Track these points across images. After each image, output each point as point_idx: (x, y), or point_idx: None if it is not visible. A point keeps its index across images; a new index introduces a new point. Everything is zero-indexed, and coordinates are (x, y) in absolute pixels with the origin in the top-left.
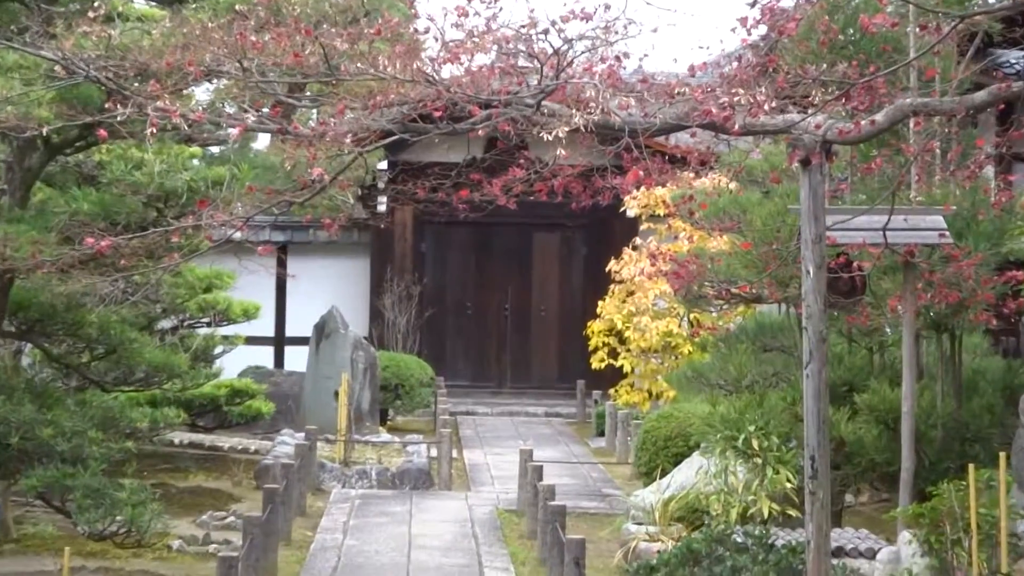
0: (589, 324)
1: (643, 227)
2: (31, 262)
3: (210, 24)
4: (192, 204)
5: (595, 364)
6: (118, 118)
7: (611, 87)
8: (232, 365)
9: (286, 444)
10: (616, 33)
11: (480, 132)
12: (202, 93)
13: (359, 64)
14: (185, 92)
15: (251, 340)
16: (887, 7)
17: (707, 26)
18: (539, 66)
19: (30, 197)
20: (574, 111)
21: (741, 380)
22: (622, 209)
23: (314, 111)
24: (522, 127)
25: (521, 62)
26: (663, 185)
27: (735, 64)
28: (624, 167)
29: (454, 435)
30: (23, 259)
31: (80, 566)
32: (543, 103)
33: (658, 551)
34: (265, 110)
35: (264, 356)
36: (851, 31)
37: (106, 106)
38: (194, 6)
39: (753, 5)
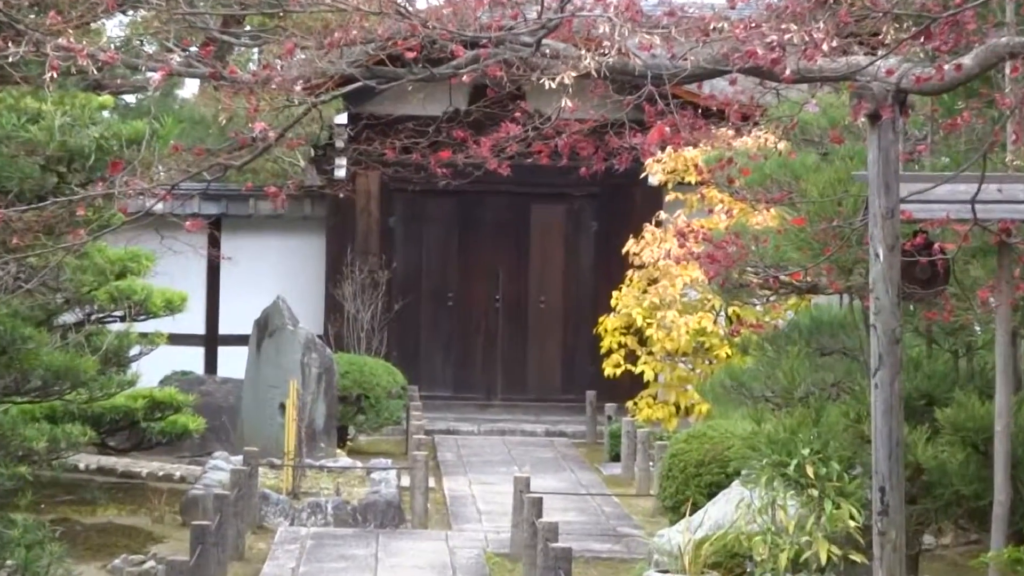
0: (601, 320)
1: (669, 198)
2: None
3: None
4: (102, 167)
5: (608, 370)
6: (9, 59)
7: (630, 21)
8: (152, 370)
9: (220, 470)
10: None
11: (465, 78)
12: (115, 28)
13: None
14: (93, 26)
15: (176, 339)
16: None
17: None
18: None
19: None
20: (583, 52)
21: (793, 391)
22: (643, 175)
23: (256, 51)
24: (518, 72)
25: None
26: (695, 145)
27: None
28: (646, 122)
29: (431, 459)
30: None
31: None
32: (544, 41)
33: None
34: (194, 49)
35: (192, 359)
36: None
37: None
38: None
39: None
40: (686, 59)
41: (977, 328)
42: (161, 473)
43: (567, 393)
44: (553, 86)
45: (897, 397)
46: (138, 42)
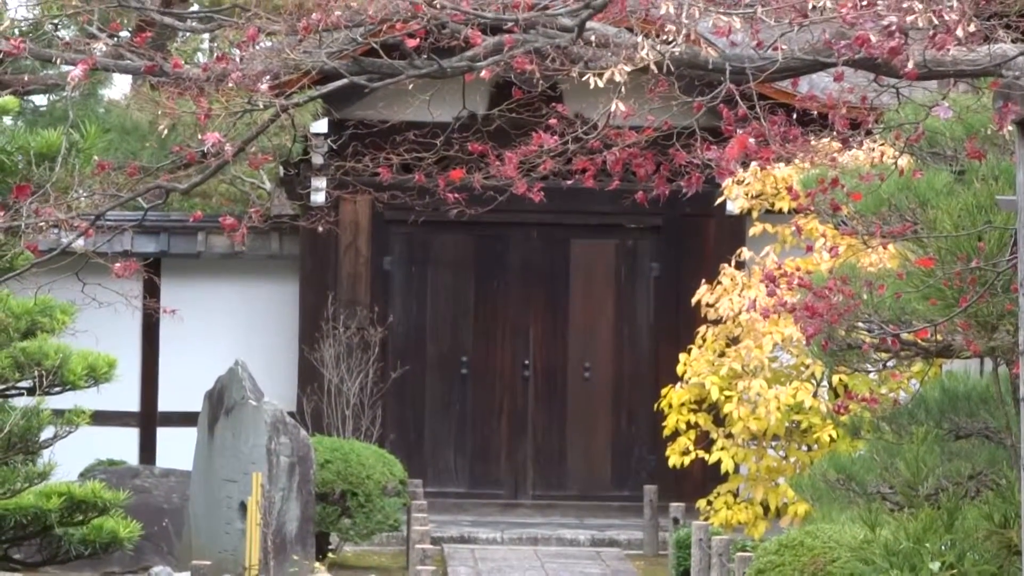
0: (664, 392)
1: (754, 231)
2: None
3: None
4: (4, 191)
5: (674, 459)
6: None
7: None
8: (71, 459)
9: None
10: None
11: (484, 74)
12: (20, 7)
13: None
14: None
15: (102, 417)
16: None
17: None
18: None
19: None
20: (640, 38)
21: (918, 486)
22: (719, 201)
23: (207, 38)
24: (553, 65)
25: None
26: (788, 161)
27: None
28: (723, 131)
29: None
30: None
31: None
32: (588, 25)
33: None
34: (126, 35)
35: (123, 444)
36: None
37: None
38: None
39: None
40: (777, 48)
41: None
42: None
43: (619, 489)
44: (601, 84)
45: None
46: (52, 26)
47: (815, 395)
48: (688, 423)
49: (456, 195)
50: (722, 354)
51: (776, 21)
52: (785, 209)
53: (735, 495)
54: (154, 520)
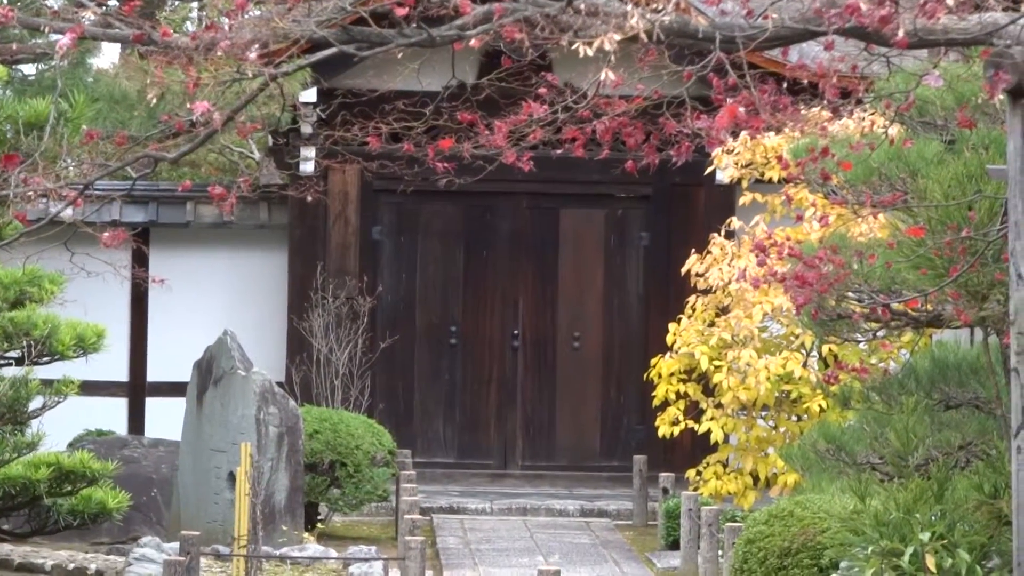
0: (654, 362)
1: (744, 200)
2: None
3: None
4: None
5: (664, 429)
6: None
7: None
8: (60, 429)
9: (149, 561)
10: None
11: (473, 43)
12: None
13: None
14: None
15: (90, 387)
16: None
17: None
18: None
19: None
20: (630, 7)
21: (908, 456)
22: (709, 171)
23: (195, 5)
24: (543, 34)
25: None
26: (778, 131)
27: None
28: (713, 100)
29: (429, 547)
30: None
31: None
32: None
33: None
34: (114, 3)
35: (112, 414)
36: None
37: None
38: None
39: None
40: (767, 17)
41: None
42: (71, 566)
43: (609, 459)
44: (590, 53)
45: None
46: None
47: (805, 365)
48: (677, 393)
49: (445, 164)
50: (712, 324)
51: None
52: (775, 179)
53: (725, 465)
54: (143, 490)
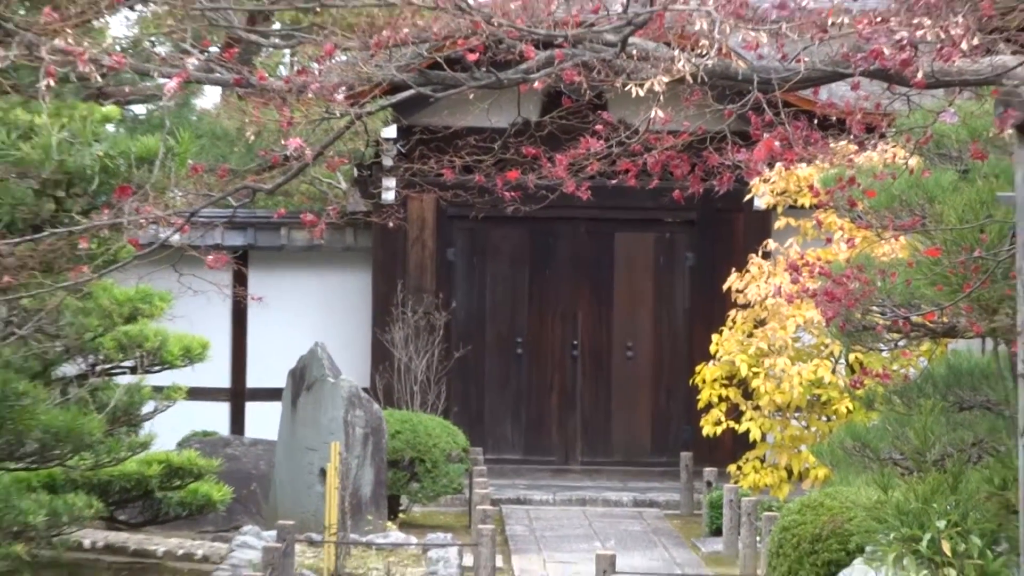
0: (699, 369)
1: (779, 224)
2: None
3: None
4: (108, 192)
5: (707, 429)
6: None
7: (733, 15)
8: (169, 430)
9: (249, 548)
10: None
11: (536, 85)
12: (122, 26)
13: None
14: (96, 25)
15: (196, 393)
16: None
17: None
18: None
19: None
20: (677, 52)
21: (926, 453)
22: (747, 198)
23: (288, 53)
24: (599, 77)
25: None
26: (809, 162)
27: None
28: (751, 135)
29: (499, 534)
30: None
31: None
32: (630, 40)
33: None
34: (215, 51)
35: (216, 417)
36: None
37: None
38: None
39: None
40: (799, 60)
41: None
42: (180, 552)
43: (658, 456)
44: (642, 93)
45: None
46: (149, 43)
47: (833, 371)
48: (720, 397)
49: (512, 193)
50: (750, 335)
51: (799, 36)
52: (807, 205)
53: (762, 461)
54: (243, 485)
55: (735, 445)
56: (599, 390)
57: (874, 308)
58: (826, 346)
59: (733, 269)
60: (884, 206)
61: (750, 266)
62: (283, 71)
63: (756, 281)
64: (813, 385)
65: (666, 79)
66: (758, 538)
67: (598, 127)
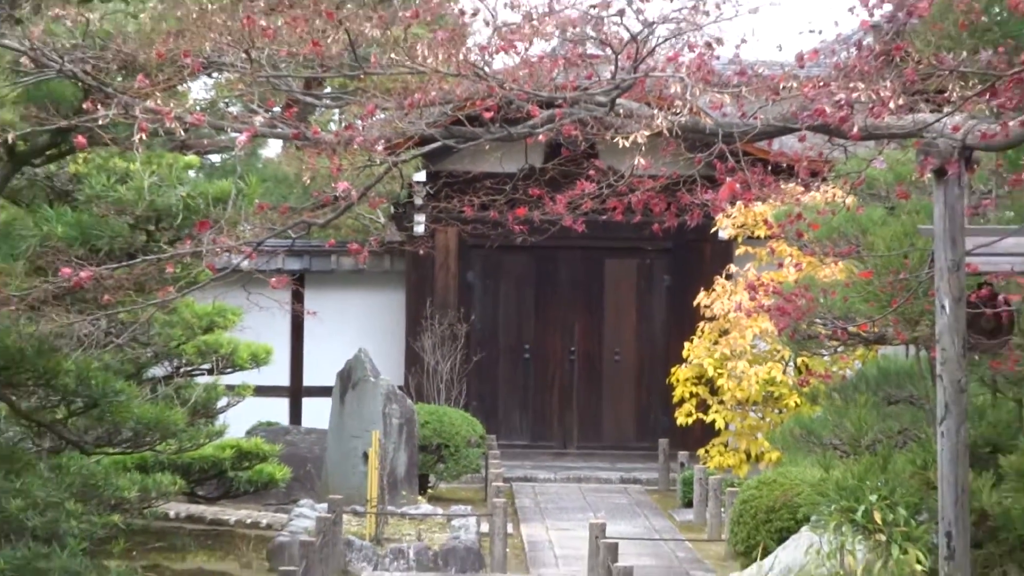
0: (673, 370)
1: (739, 252)
2: None
3: (210, 6)
4: (189, 226)
5: (681, 419)
6: (98, 121)
7: (701, 81)
8: (239, 421)
9: (305, 517)
10: (707, 15)
11: (540, 137)
12: (201, 90)
13: (392, 54)
14: (180, 89)
15: (261, 391)
16: None
17: (818, 5)
18: (613, 55)
19: None
20: (656, 111)
21: (860, 439)
22: (713, 230)
23: (337, 112)
24: (592, 131)
25: (590, 50)
26: (764, 200)
27: (853, 52)
28: (717, 179)
29: (510, 506)
30: None
31: None
32: (618, 101)
33: None
34: (277, 110)
35: (277, 410)
36: (996, 10)
37: (84, 107)
38: None
39: None
40: (756, 117)
41: None
42: (249, 521)
43: (641, 442)
44: (626, 144)
45: (963, 445)
46: (223, 104)
47: (784, 372)
48: (691, 393)
49: (520, 227)
50: (716, 342)
51: (756, 97)
52: (762, 235)
53: (725, 446)
54: (300, 466)
55: (703, 433)
56: (592, 388)
57: (817, 320)
58: (778, 351)
59: (702, 288)
60: (825, 237)
61: (715, 286)
62: (333, 127)
63: (720, 298)
64: (767, 383)
65: (646, 133)
66: (722, 509)
67: (591, 172)
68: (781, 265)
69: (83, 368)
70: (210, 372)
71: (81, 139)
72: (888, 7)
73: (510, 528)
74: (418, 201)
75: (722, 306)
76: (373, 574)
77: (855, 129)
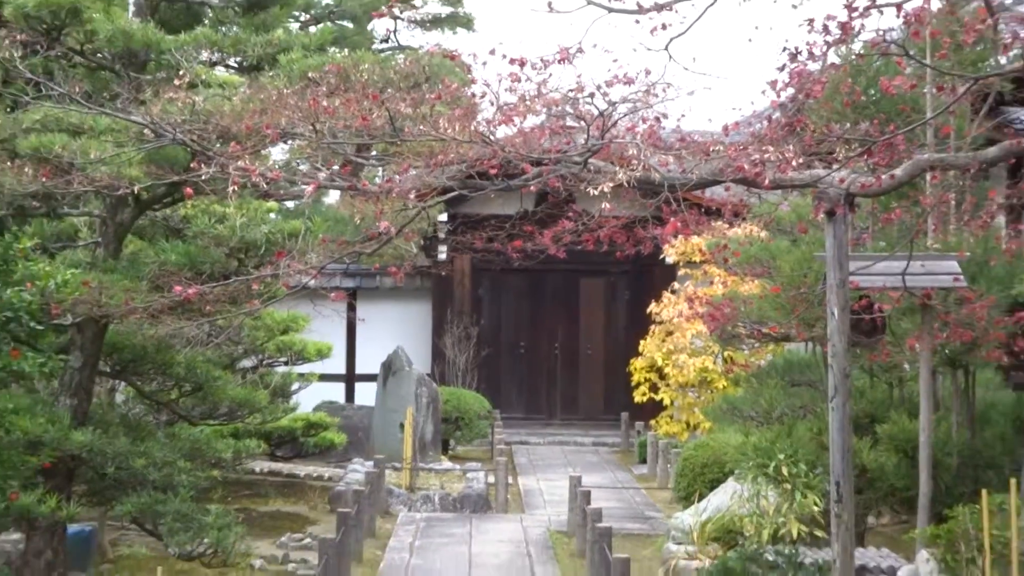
0: (632, 361)
1: (681, 273)
2: (124, 308)
3: (285, 90)
4: (270, 254)
5: (637, 398)
6: (202, 177)
7: (651, 146)
8: (307, 400)
9: (357, 472)
10: (656, 96)
11: (532, 188)
12: (278, 153)
13: (421, 126)
14: (263, 152)
15: (324, 377)
16: (906, 70)
17: (739, 89)
18: (586, 127)
19: (122, 249)
20: (618, 168)
21: (771, 412)
22: (662, 257)
23: (380, 169)
24: (570, 183)
25: (569, 123)
26: (699, 234)
27: (765, 123)
28: (663, 218)
29: (509, 463)
30: (117, 306)
31: None
32: (589, 161)
33: (696, 569)
34: (335, 168)
35: (336, 392)
36: (872, 92)
37: (191, 166)
38: (270, 74)
39: (782, 69)
40: (692, 172)
41: (906, 366)
42: (315, 474)
43: (607, 415)
44: (596, 193)
45: (848, 417)
46: (295, 163)
47: (714, 363)
48: (645, 378)
49: (517, 255)
50: (663, 340)
51: (692, 157)
52: (698, 260)
53: (671, 418)
54: (353, 433)
55: (654, 408)
56: (570, 374)
57: (739, 324)
58: (710, 347)
59: (653, 300)
60: (745, 262)
61: (663, 298)
62: (377, 180)
63: (667, 307)
64: (702, 371)
65: (611, 184)
66: (668, 465)
67: (570, 214)
68: (712, 283)
69: (191, 361)
70: (286, 363)
71: (189, 190)
72: (791, 90)
73: (510, 479)
74: (441, 235)
75: (668, 313)
76: (407, 514)
77: (767, 181)
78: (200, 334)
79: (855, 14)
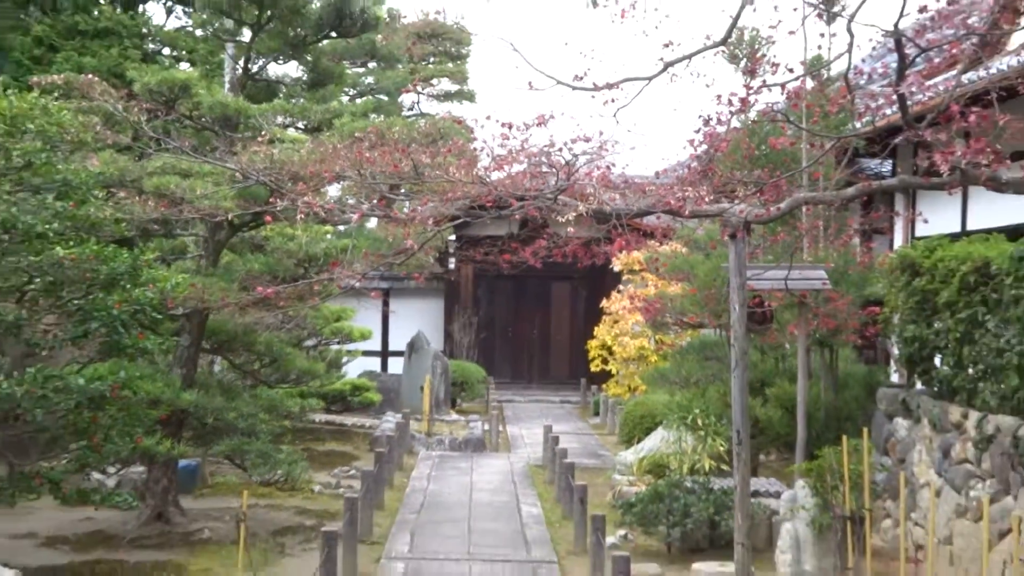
0: (589, 342)
1: (625, 278)
2: (220, 303)
3: (338, 145)
4: (327, 264)
5: (593, 368)
6: (277, 208)
7: (604, 186)
8: (353, 370)
9: (389, 422)
10: (607, 150)
11: (516, 216)
12: (333, 191)
13: (437, 172)
14: (322, 190)
15: (366, 353)
16: (787, 132)
17: (666, 144)
18: (556, 172)
19: (219, 260)
20: (579, 202)
21: (690, 379)
22: (611, 266)
23: (407, 202)
24: (544, 213)
25: (544, 169)
26: (638, 250)
27: (685, 170)
28: (612, 238)
29: (500, 415)
30: (215, 301)
31: (254, 503)
32: (559, 197)
33: (635, 493)
34: (374, 202)
35: (374, 364)
36: (763, 148)
37: (269, 200)
38: (328, 133)
39: (697, 131)
40: (633, 205)
41: (787, 346)
42: (359, 424)
43: (572, 380)
44: (563, 220)
45: (745, 383)
46: (345, 198)
47: (649, 343)
48: (598, 354)
49: (506, 265)
50: (612, 327)
51: (633, 194)
52: (637, 269)
53: (617, 383)
54: (387, 394)
55: (605, 376)
56: (545, 351)
57: (667, 315)
58: (646, 332)
59: (604, 298)
60: (671, 270)
61: (612, 297)
62: (405, 210)
63: (614, 303)
64: (640, 349)
65: (574, 214)
66: (615, 417)
67: (544, 235)
68: (648, 285)
69: (269, 341)
70: (338, 343)
71: (268, 217)
72: (704, 146)
73: (500, 428)
74: (451, 251)
75: (615, 308)
76: (426, 453)
77: (687, 212)
78: (276, 322)
79: (751, 92)
